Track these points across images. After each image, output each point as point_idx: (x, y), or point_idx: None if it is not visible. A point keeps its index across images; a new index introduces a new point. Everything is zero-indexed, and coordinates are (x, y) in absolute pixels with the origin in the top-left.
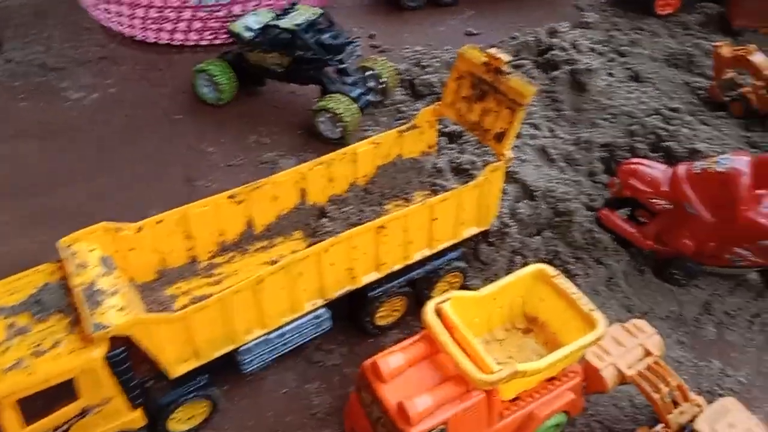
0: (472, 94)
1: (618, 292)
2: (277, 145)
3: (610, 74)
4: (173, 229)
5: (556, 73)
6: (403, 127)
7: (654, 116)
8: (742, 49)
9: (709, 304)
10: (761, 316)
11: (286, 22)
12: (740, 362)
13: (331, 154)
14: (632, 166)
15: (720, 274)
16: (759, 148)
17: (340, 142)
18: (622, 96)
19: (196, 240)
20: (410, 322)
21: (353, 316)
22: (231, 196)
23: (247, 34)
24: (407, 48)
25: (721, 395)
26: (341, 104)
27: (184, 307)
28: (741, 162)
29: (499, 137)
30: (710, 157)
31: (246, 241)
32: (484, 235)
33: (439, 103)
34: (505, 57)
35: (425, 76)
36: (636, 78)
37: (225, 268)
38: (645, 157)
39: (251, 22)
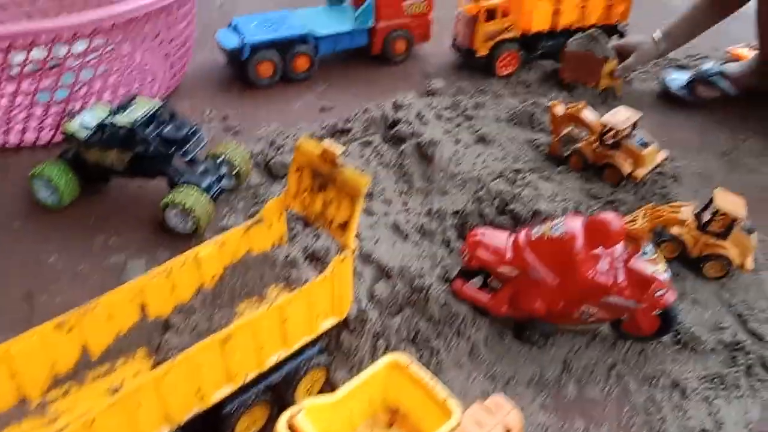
0: (313, 185)
1: (481, 362)
2: (125, 245)
3: (457, 140)
4: None
5: (404, 146)
6: (249, 222)
7: (498, 179)
8: (574, 106)
9: (568, 362)
10: (616, 367)
11: (122, 118)
12: (602, 417)
13: (171, 261)
14: (477, 237)
15: (574, 330)
16: (599, 198)
17: (194, 236)
18: (470, 161)
19: (24, 376)
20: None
21: None
22: (58, 326)
23: (83, 134)
24: (262, 127)
25: None
26: (190, 197)
27: None
28: (573, 226)
29: (343, 227)
30: (548, 220)
31: (82, 369)
32: (344, 324)
33: (283, 195)
34: (339, 149)
35: (280, 157)
36: (482, 141)
37: (61, 403)
38: (492, 222)
39: (87, 119)
